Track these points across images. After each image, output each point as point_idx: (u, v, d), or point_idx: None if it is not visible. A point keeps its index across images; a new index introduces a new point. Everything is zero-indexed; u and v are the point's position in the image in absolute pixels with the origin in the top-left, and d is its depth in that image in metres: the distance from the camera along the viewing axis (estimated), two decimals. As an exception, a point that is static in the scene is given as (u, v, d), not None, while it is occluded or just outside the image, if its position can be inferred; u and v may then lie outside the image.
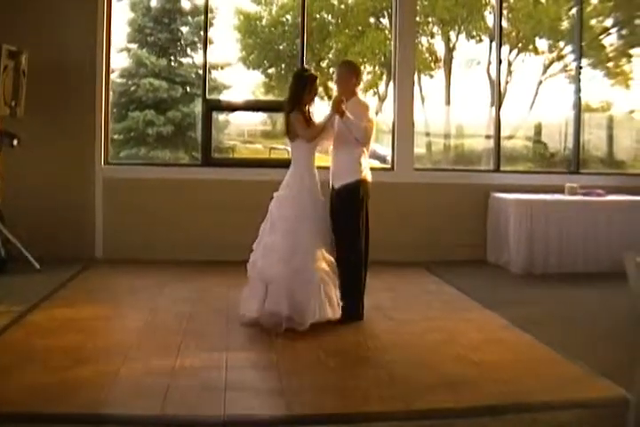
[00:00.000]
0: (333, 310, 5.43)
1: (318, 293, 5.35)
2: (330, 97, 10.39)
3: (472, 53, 10.22)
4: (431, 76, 10.30)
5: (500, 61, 9.13)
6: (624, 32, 10.38)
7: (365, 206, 5.67)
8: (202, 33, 8.90)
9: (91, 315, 5.72)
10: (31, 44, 7.49)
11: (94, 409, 3.75)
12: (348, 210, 5.59)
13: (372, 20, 10.31)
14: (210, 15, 8.88)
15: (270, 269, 5.41)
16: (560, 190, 8.45)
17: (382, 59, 10.05)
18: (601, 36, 10.30)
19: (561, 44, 10.38)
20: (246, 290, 5.64)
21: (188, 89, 10.07)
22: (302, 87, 5.68)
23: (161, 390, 4.00)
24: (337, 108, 5.41)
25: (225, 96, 10.02)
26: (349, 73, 5.77)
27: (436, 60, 10.37)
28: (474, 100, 9.77)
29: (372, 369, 4.59)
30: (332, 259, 5.55)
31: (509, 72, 10.14)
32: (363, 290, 5.73)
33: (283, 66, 10.36)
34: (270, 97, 10.40)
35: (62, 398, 3.86)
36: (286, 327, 5.23)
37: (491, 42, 9.74)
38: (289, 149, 6.26)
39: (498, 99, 9.10)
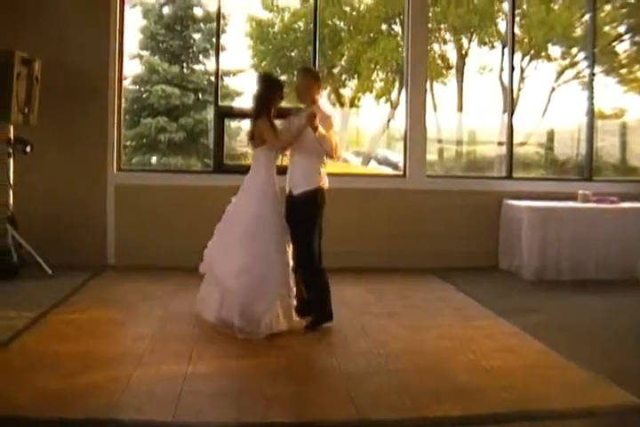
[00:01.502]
0: (289, 322, 5.45)
1: (274, 306, 5.37)
2: (342, 104, 10.44)
3: (484, 60, 10.22)
4: (443, 83, 10.32)
5: (512, 68, 9.09)
6: (637, 38, 10.35)
7: (321, 213, 5.65)
8: (214, 40, 8.93)
9: (103, 321, 5.75)
10: (44, 52, 7.53)
11: (105, 415, 3.76)
12: (305, 216, 5.57)
13: (384, 26, 10.32)
14: (222, 22, 8.93)
15: (229, 279, 5.38)
16: (573, 197, 8.42)
17: (394, 65, 10.06)
18: (614, 43, 10.28)
19: (574, 50, 10.38)
20: (203, 290, 5.69)
21: (200, 96, 10.12)
22: (271, 93, 5.65)
23: (173, 397, 4.01)
24: (312, 124, 5.33)
25: (237, 103, 10.06)
26: (309, 81, 5.73)
27: (449, 67, 10.38)
28: (486, 107, 9.76)
29: (382, 376, 4.57)
30: (290, 269, 5.56)
31: (522, 79, 10.14)
32: (326, 292, 5.67)
33: (295, 73, 10.39)
34: (282, 104, 10.39)
35: (74, 404, 3.87)
36: (243, 338, 5.22)
37: (503, 48, 9.75)
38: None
39: (510, 105, 9.09)
